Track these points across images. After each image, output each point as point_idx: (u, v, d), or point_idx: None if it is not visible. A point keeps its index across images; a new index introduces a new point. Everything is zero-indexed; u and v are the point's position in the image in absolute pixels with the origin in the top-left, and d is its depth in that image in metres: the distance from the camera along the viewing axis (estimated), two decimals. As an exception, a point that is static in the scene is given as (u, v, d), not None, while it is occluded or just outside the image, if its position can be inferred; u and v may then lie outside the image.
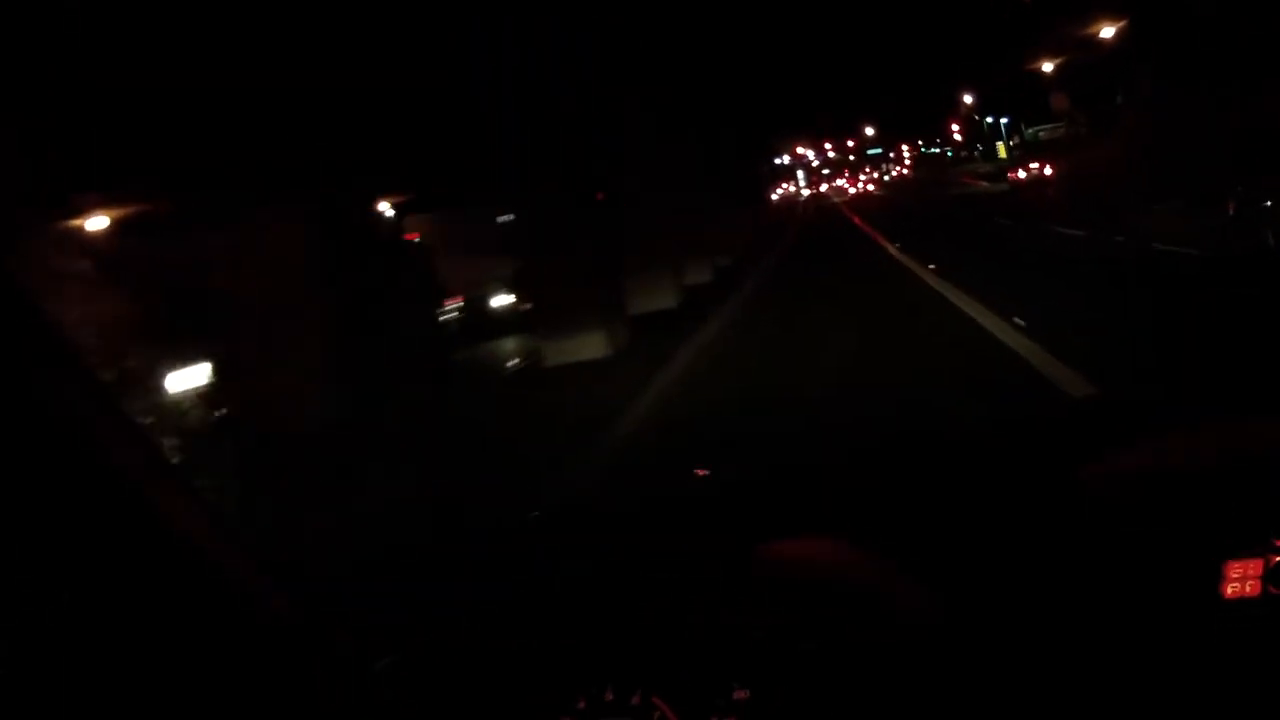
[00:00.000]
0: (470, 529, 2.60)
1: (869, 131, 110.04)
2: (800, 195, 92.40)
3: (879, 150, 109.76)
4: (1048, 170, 33.65)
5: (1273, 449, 1.38)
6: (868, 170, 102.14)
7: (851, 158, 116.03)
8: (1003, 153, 58.59)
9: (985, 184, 47.42)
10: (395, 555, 1.80)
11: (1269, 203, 11.51)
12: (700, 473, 2.08)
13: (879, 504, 1.54)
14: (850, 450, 2.23)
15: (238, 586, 0.95)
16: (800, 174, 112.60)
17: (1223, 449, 1.41)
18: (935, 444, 2.03)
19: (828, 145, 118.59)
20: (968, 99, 69.80)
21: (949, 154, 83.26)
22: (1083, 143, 33.26)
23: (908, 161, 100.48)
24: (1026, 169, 36.81)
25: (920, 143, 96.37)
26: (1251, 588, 1.20)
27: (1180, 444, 1.47)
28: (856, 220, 38.17)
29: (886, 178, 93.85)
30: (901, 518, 1.45)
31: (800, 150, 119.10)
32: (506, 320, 18.58)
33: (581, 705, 1.21)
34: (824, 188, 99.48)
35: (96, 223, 10.89)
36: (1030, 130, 50.32)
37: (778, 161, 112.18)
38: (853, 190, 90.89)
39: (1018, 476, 1.56)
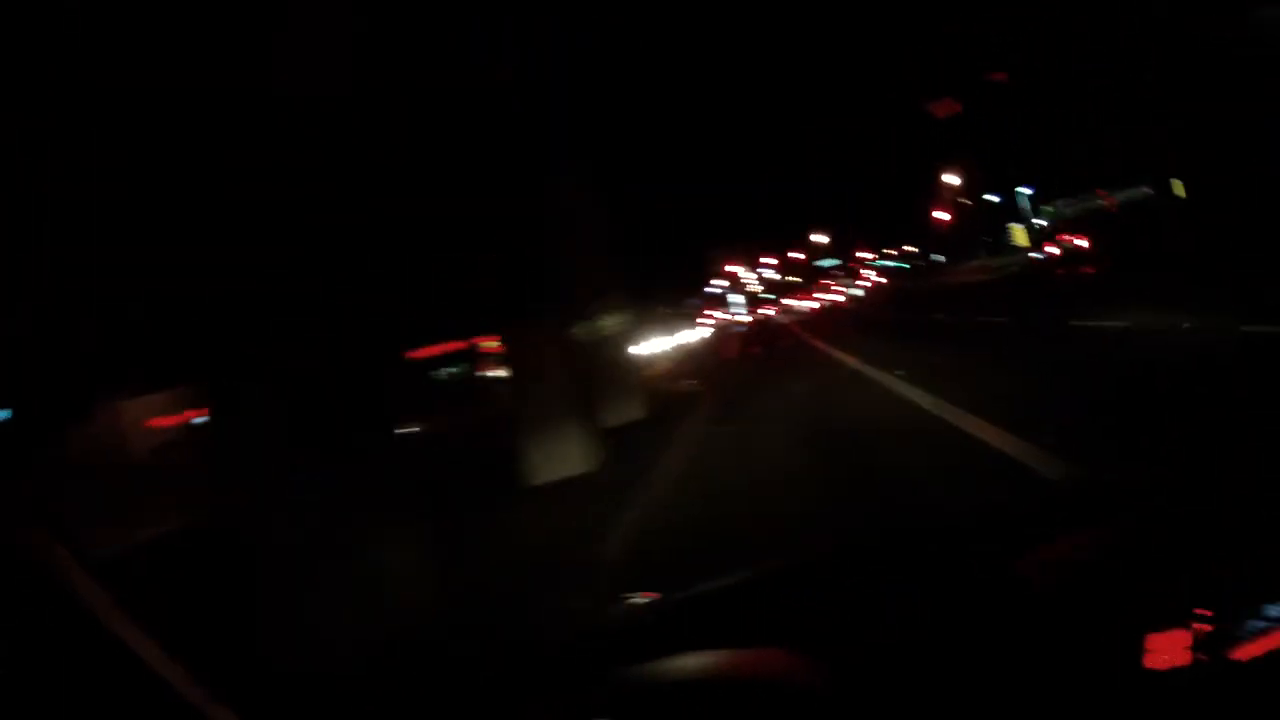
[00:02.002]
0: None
1: (822, 239, 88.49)
2: (734, 325, 64.76)
3: (836, 261, 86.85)
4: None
5: (1184, 526, 1.56)
6: (828, 283, 75.96)
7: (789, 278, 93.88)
8: (1021, 237, 47.93)
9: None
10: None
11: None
12: (645, 598, 2.08)
13: (817, 613, 1.60)
14: (788, 560, 2.03)
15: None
16: (733, 299, 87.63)
17: (1138, 530, 1.59)
18: (878, 545, 2.06)
19: (769, 261, 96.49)
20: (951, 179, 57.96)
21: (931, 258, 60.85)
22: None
23: (869, 272, 76.67)
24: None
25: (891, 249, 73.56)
26: (1179, 658, 1.26)
27: (1107, 529, 1.62)
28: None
29: (857, 289, 67.09)
30: (840, 624, 1.53)
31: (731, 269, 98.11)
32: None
33: None
34: (771, 311, 72.20)
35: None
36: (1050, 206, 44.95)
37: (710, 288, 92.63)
38: (809, 307, 64.61)
39: (955, 573, 1.63)
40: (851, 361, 16.96)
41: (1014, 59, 36.84)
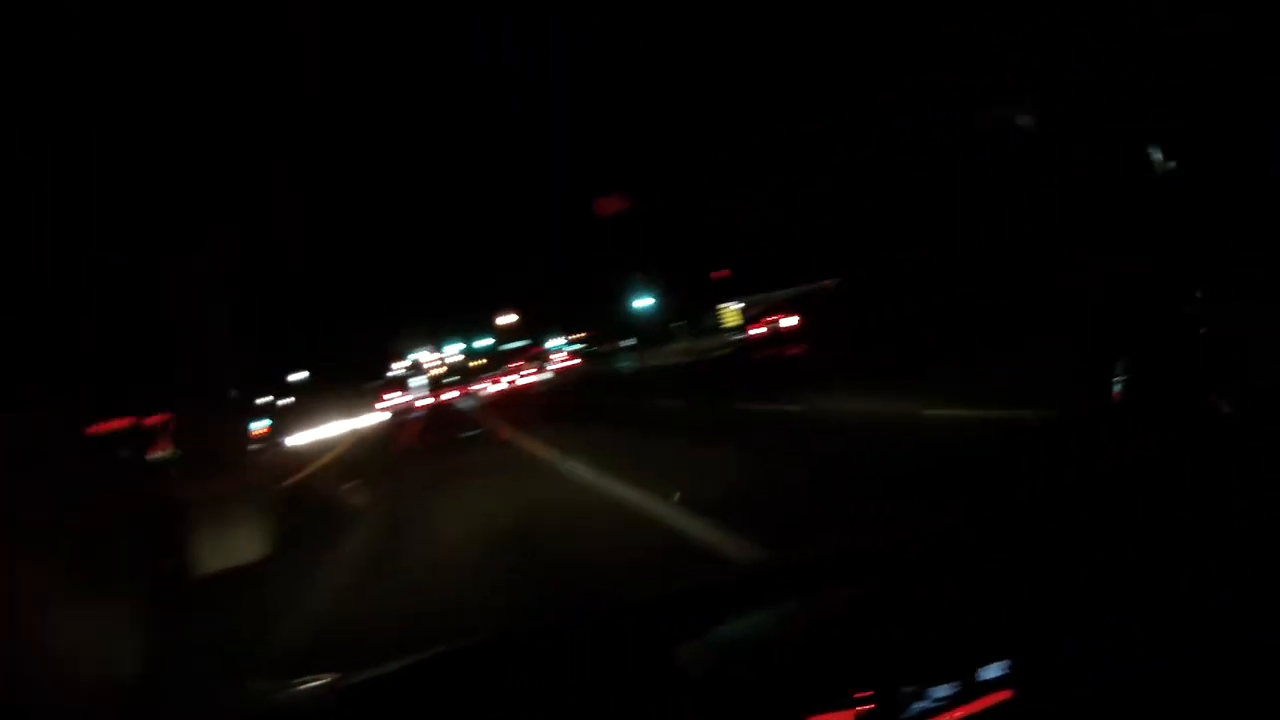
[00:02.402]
0: None
1: (510, 319, 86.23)
2: (414, 410, 59.64)
3: (525, 342, 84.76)
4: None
5: (842, 614, 1.63)
6: (516, 365, 72.89)
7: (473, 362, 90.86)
8: (733, 318, 47.36)
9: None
10: None
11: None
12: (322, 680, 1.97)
13: (482, 697, 1.63)
14: (458, 645, 2.02)
15: None
16: (415, 382, 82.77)
17: (805, 617, 1.65)
18: (540, 637, 2.04)
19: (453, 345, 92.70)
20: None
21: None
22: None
23: (559, 355, 75.05)
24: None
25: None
26: None
27: (773, 614, 1.68)
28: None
29: (546, 372, 64.30)
30: (512, 707, 1.56)
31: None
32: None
33: None
34: (455, 394, 67.22)
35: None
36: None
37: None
38: (495, 390, 61.14)
39: (619, 659, 1.67)
40: (533, 447, 16.53)
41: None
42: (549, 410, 29.55)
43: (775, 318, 34.24)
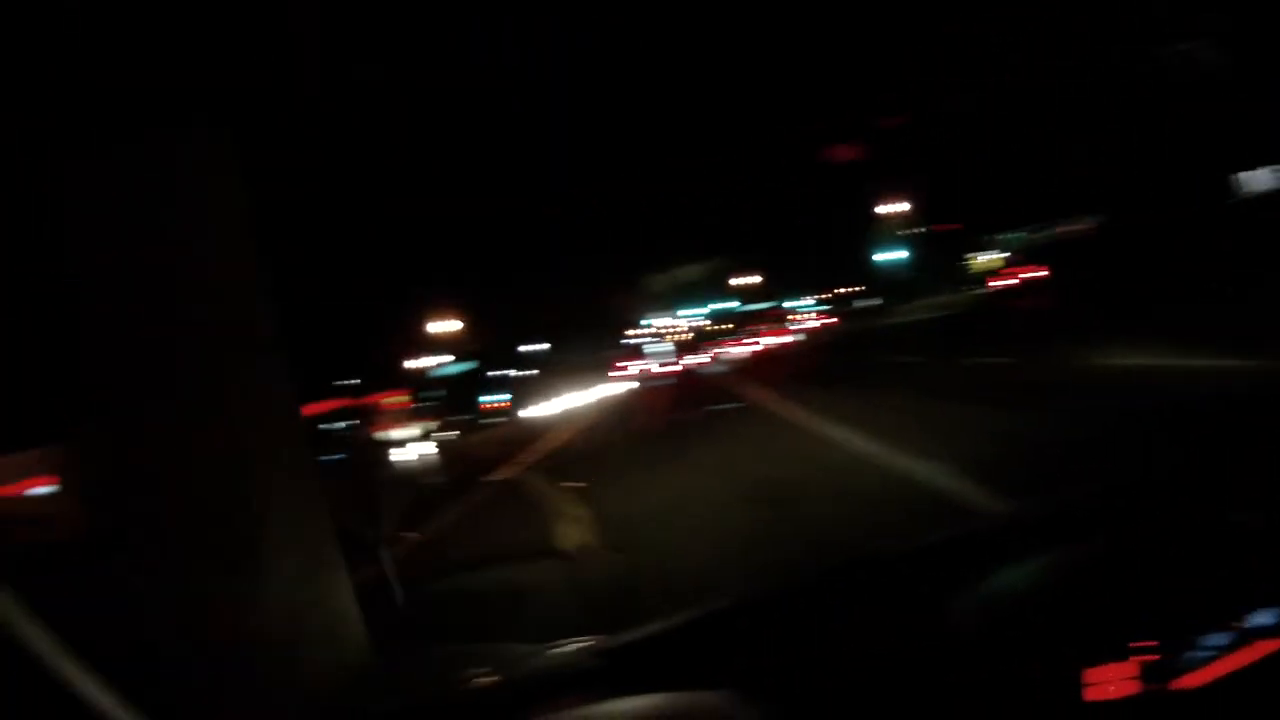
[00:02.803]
0: None
1: (753, 280, 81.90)
2: (656, 379, 56.12)
3: (767, 304, 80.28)
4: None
5: (1118, 560, 1.56)
6: (762, 326, 68.17)
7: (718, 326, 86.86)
8: (983, 267, 44.93)
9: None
10: None
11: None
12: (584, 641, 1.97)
13: (756, 653, 1.61)
14: (730, 600, 1.95)
15: None
16: (655, 348, 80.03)
17: (1076, 565, 1.57)
18: (810, 584, 2.02)
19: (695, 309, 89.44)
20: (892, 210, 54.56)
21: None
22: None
23: (806, 315, 69.75)
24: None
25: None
26: (1121, 690, 1.26)
27: (1038, 564, 1.59)
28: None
29: (794, 333, 59.13)
30: (777, 665, 1.52)
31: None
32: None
33: None
34: (704, 358, 62.82)
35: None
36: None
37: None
38: (744, 353, 56.76)
39: (888, 612, 1.62)
40: (786, 410, 15.15)
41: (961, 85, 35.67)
42: (801, 372, 25.69)
43: (1025, 268, 34.11)
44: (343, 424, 26.21)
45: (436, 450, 28.99)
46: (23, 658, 1.01)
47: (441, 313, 57.76)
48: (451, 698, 1.94)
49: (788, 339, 50.71)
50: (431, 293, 55.84)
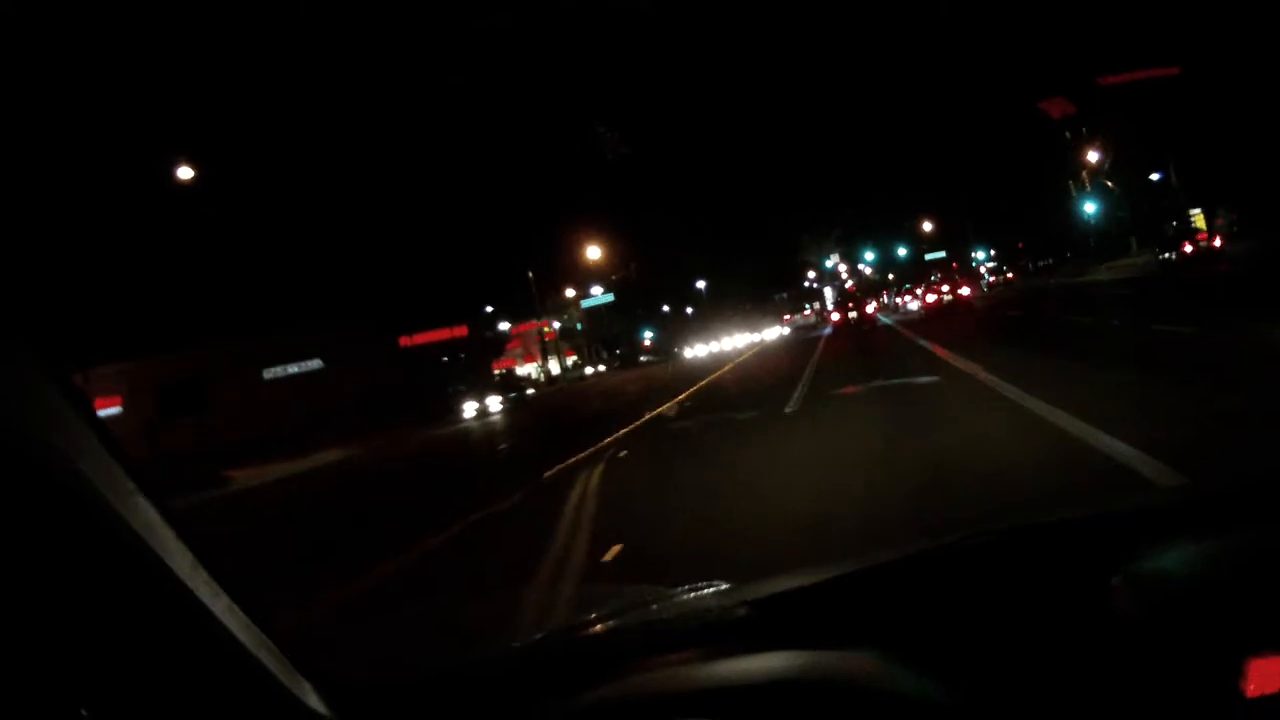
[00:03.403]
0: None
1: (925, 227, 78.19)
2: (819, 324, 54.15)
3: (941, 254, 76.35)
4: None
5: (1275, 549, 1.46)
6: (938, 280, 64.72)
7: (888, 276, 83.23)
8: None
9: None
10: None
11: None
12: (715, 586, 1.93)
13: (906, 616, 1.56)
14: (880, 558, 1.85)
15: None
16: (828, 293, 77.75)
17: (1249, 549, 1.49)
18: (965, 550, 1.83)
19: (867, 257, 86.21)
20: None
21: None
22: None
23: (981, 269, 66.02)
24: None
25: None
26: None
27: (1208, 545, 1.53)
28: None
29: (969, 286, 55.77)
30: (929, 629, 1.49)
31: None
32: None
33: None
34: (871, 307, 59.86)
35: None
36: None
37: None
38: (917, 307, 54.11)
39: (1048, 586, 1.55)
40: (963, 365, 14.48)
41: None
42: (981, 332, 23.82)
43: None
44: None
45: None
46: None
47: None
48: (576, 639, 1.89)
49: (962, 292, 47.97)
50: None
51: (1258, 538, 1.49)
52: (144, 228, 31.80)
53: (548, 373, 56.24)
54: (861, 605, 1.63)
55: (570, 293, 62.67)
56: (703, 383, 26.07)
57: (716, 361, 42.45)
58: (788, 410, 13.61)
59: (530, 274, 50.17)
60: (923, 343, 22.30)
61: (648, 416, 17.38)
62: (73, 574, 0.97)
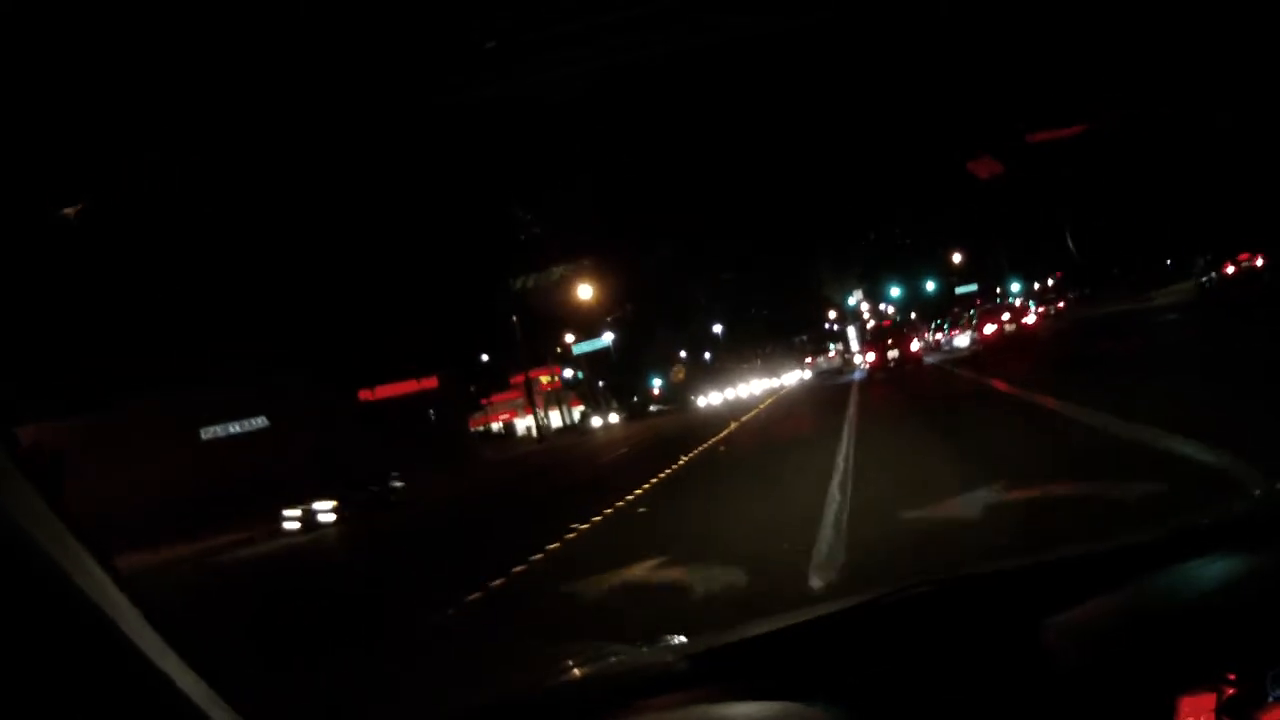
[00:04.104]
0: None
1: (955, 259, 72.55)
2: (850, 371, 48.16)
3: (973, 286, 70.96)
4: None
5: (1220, 587, 1.51)
6: (972, 314, 58.56)
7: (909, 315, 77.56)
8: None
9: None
10: None
11: None
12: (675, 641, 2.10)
13: (847, 667, 1.59)
14: (820, 620, 1.90)
15: None
16: (851, 332, 71.98)
17: (1176, 590, 1.56)
18: (903, 602, 1.90)
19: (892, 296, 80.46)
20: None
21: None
22: None
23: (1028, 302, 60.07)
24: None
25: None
26: None
27: (1140, 588, 1.57)
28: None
29: (1015, 320, 49.34)
30: (869, 679, 1.52)
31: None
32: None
33: None
34: (916, 345, 51.37)
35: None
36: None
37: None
38: (959, 344, 48.13)
39: (981, 635, 1.59)
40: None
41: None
42: (1099, 372, 16.64)
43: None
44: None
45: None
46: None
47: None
48: (540, 692, 1.95)
49: (1029, 320, 43.26)
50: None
51: (1180, 580, 1.53)
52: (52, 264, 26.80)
53: (541, 426, 50.69)
54: (805, 657, 1.67)
55: (570, 338, 58.00)
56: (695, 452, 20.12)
57: (731, 411, 36.67)
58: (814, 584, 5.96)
59: (515, 318, 44.99)
60: (1030, 398, 14.20)
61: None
62: (17, 635, 0.95)
